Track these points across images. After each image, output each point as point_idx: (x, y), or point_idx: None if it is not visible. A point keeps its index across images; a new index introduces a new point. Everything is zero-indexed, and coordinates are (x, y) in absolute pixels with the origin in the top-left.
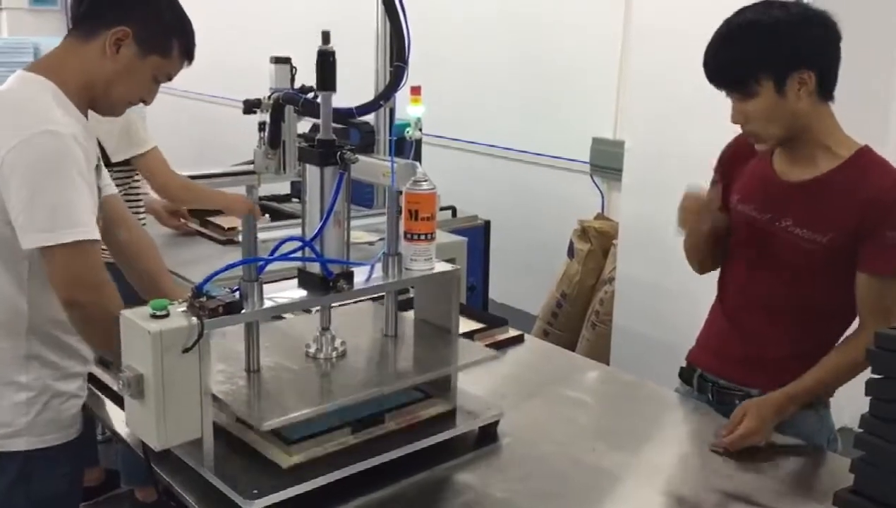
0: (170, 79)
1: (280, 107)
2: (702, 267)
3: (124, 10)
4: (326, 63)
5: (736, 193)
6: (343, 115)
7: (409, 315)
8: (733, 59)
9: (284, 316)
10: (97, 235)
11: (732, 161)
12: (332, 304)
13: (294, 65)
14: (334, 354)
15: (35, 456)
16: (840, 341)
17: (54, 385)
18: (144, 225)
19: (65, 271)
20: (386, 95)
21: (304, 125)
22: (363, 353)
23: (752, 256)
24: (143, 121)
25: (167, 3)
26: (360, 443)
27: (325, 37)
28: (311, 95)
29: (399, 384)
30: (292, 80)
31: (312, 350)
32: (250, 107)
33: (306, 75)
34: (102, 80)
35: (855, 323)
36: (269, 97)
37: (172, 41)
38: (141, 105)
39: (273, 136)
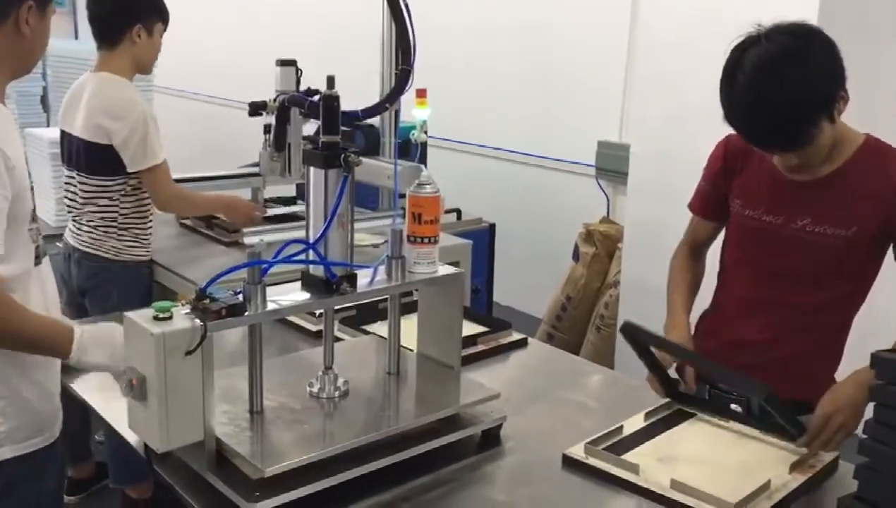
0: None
1: (285, 109)
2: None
3: None
4: (331, 108)
5: (737, 198)
6: (348, 118)
7: (412, 353)
8: (789, 125)
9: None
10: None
11: (729, 164)
12: (335, 339)
13: (300, 67)
14: (336, 394)
15: (21, 462)
16: None
17: (23, 386)
18: (151, 228)
19: None
20: (391, 99)
21: (310, 127)
22: (366, 392)
23: (765, 263)
24: (157, 129)
25: None
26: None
27: (330, 82)
28: (316, 98)
29: (401, 425)
30: (298, 82)
31: (315, 389)
32: (256, 109)
33: (314, 78)
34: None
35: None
36: (275, 99)
37: None
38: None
39: (278, 139)
